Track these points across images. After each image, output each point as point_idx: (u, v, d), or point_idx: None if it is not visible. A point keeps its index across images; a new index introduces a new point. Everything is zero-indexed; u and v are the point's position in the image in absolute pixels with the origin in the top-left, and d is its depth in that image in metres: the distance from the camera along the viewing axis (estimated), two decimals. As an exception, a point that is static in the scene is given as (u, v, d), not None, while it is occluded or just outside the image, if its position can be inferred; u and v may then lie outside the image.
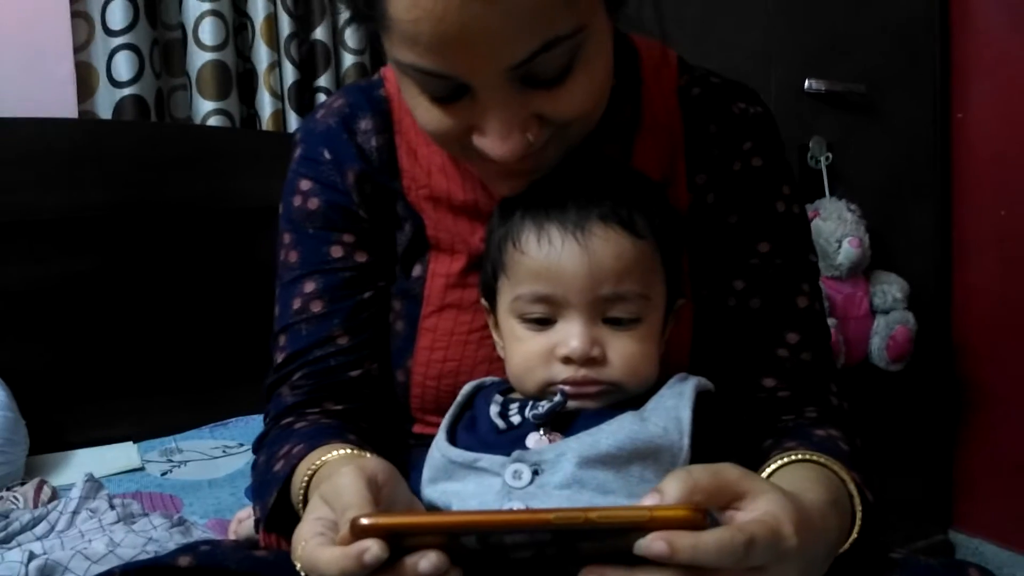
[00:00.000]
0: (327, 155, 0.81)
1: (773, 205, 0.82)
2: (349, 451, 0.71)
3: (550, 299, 0.70)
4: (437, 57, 0.62)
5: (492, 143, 0.66)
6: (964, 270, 2.18)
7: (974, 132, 2.13)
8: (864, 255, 1.85)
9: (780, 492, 0.55)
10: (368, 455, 0.69)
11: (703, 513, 0.48)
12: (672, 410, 0.68)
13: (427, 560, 0.48)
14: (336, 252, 0.81)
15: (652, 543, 0.47)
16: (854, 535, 0.65)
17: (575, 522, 0.46)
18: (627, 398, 0.71)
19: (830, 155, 1.94)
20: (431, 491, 0.70)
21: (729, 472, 0.54)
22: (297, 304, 0.81)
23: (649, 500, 0.51)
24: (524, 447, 0.67)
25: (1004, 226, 2.08)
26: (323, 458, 0.70)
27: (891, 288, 1.90)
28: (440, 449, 0.71)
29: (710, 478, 0.53)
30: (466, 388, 0.77)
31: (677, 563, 0.47)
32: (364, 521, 0.48)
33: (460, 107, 0.66)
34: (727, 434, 0.72)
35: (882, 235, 1.97)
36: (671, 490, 0.51)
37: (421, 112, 0.68)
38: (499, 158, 0.66)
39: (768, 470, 0.69)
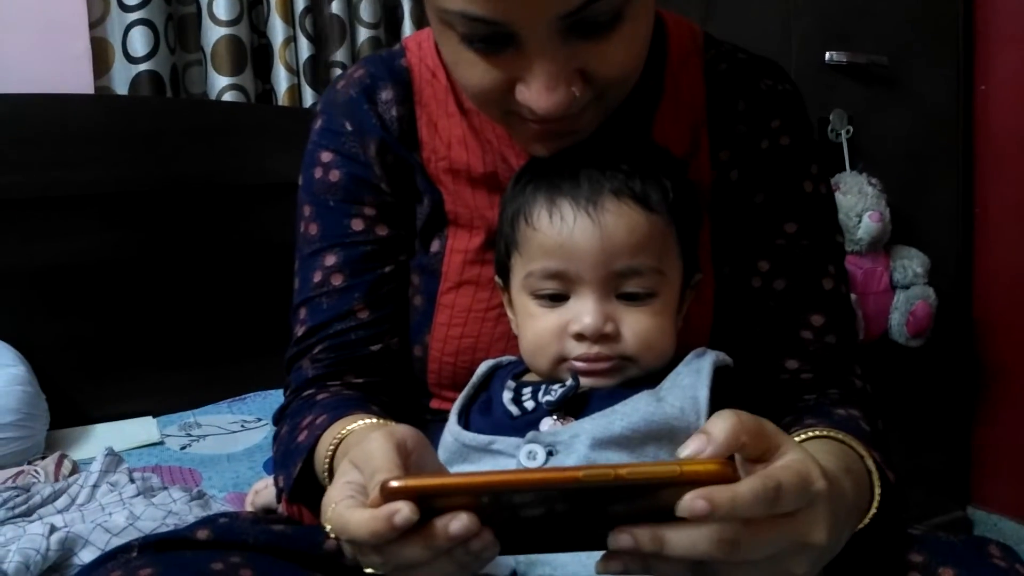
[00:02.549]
0: (348, 126, 0.81)
1: (801, 185, 0.81)
2: (374, 420, 0.71)
3: (563, 275, 0.69)
4: (489, 3, 0.60)
5: (537, 95, 0.64)
6: (985, 245, 2.15)
7: (997, 104, 2.09)
8: (884, 230, 1.83)
9: (805, 449, 0.54)
10: (394, 423, 0.68)
11: (733, 466, 0.48)
12: (689, 389, 0.67)
13: (458, 521, 0.47)
14: (357, 225, 0.81)
15: (693, 503, 0.46)
16: (873, 511, 0.64)
17: (605, 479, 0.46)
18: (643, 375, 0.70)
19: (851, 128, 1.91)
20: None
21: (769, 424, 0.54)
22: (317, 277, 0.81)
23: (696, 442, 0.50)
24: (538, 432, 0.67)
25: (1027, 200, 2.05)
26: (348, 427, 0.70)
27: (911, 263, 1.88)
28: (452, 433, 0.71)
29: (755, 423, 0.52)
30: (482, 368, 0.77)
31: (716, 519, 0.47)
32: (393, 484, 0.47)
33: (504, 59, 0.65)
34: (745, 410, 0.71)
35: (903, 209, 1.94)
36: (717, 430, 0.51)
37: (463, 68, 0.67)
38: (543, 111, 0.65)
39: None
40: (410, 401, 0.83)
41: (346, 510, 0.51)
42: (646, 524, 0.48)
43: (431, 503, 0.48)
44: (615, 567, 0.49)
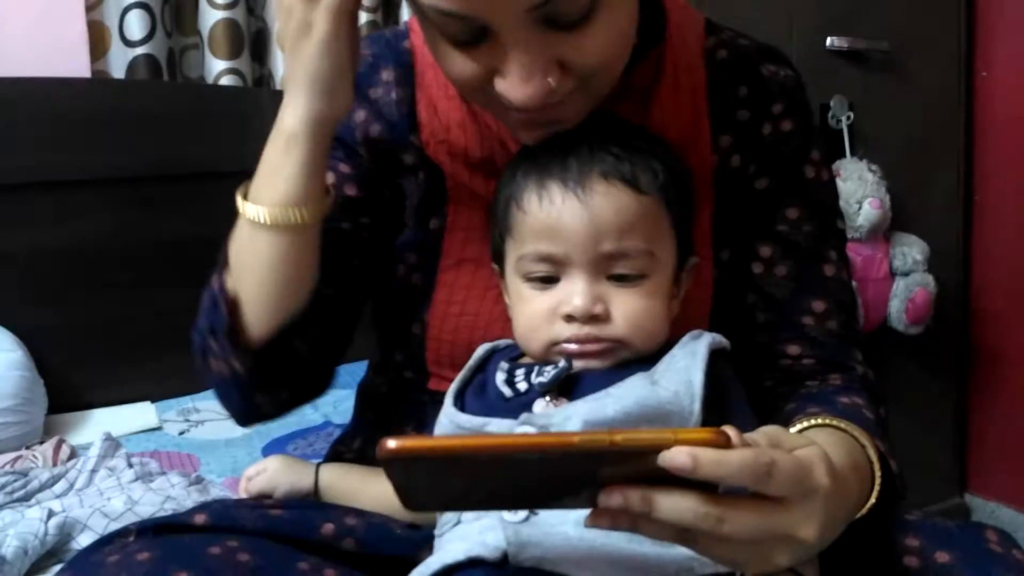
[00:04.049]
0: None
1: (802, 171, 0.81)
2: None
3: (553, 257, 0.69)
4: None
5: (512, 86, 0.64)
6: (985, 232, 2.15)
7: (998, 91, 2.08)
8: (884, 216, 1.83)
9: (821, 448, 0.55)
10: None
11: (726, 436, 0.48)
12: (684, 372, 0.67)
13: None
14: (327, 177, 0.79)
15: (676, 455, 0.46)
16: (872, 500, 0.64)
17: (600, 444, 0.46)
18: (636, 357, 0.70)
19: (851, 114, 1.91)
20: None
21: (783, 435, 0.54)
22: None
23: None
24: (531, 414, 0.67)
25: (1027, 188, 2.05)
26: None
27: (911, 250, 1.88)
28: (448, 416, 0.71)
29: (764, 438, 0.53)
30: (479, 351, 0.76)
31: (699, 478, 0.47)
32: (391, 444, 0.46)
33: (482, 51, 0.65)
34: (742, 394, 0.71)
35: (903, 196, 1.94)
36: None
37: (444, 59, 0.67)
38: (519, 102, 0.65)
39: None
40: (336, 343, 0.82)
41: None
42: (637, 486, 0.48)
43: (429, 464, 0.48)
44: (604, 523, 0.50)
